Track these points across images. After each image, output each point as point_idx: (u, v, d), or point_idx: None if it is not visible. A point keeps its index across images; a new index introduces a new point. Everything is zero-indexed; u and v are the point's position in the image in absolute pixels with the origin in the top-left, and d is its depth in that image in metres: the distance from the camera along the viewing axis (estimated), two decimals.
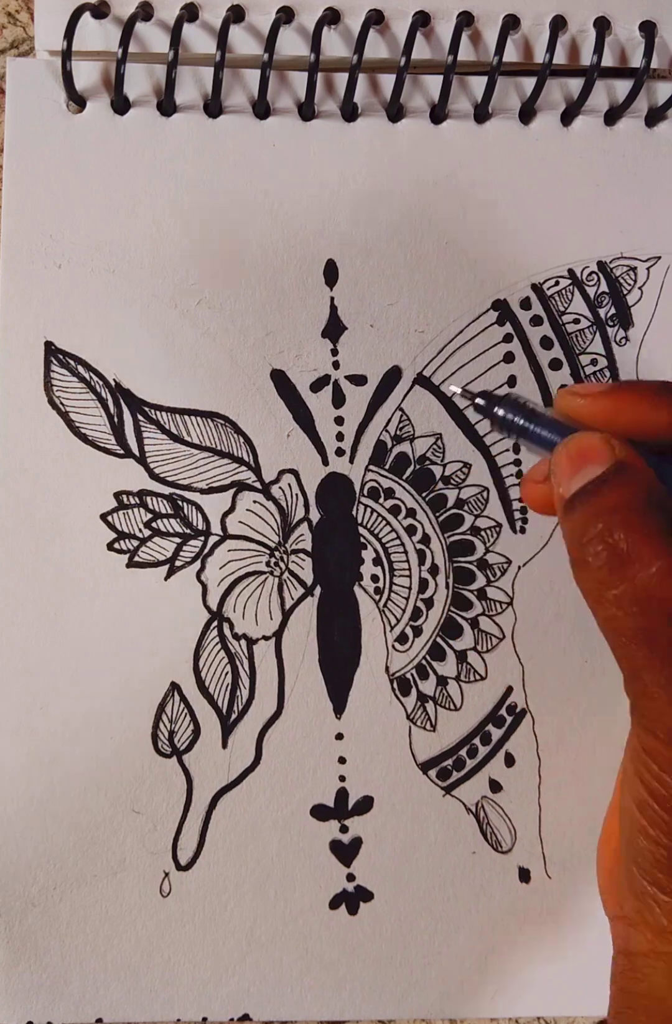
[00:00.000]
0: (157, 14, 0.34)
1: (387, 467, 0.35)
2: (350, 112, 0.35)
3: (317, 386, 0.35)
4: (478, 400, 0.28)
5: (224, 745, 0.35)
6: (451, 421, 0.35)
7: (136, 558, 0.34)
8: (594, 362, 0.36)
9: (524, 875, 0.36)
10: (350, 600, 0.35)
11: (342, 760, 0.35)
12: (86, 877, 0.34)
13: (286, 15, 0.34)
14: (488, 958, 0.35)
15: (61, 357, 0.34)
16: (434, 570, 0.35)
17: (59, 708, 0.34)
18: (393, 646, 0.35)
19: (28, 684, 0.34)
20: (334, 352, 0.35)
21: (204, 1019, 0.35)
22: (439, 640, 0.35)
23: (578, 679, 0.35)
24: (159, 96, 0.34)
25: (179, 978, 0.35)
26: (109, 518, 0.34)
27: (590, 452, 0.25)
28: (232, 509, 0.35)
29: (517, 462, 0.35)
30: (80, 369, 0.34)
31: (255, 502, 0.35)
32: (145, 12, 0.33)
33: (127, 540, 0.34)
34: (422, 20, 0.34)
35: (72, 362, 0.34)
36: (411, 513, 0.35)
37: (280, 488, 0.35)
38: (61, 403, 0.34)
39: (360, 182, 0.35)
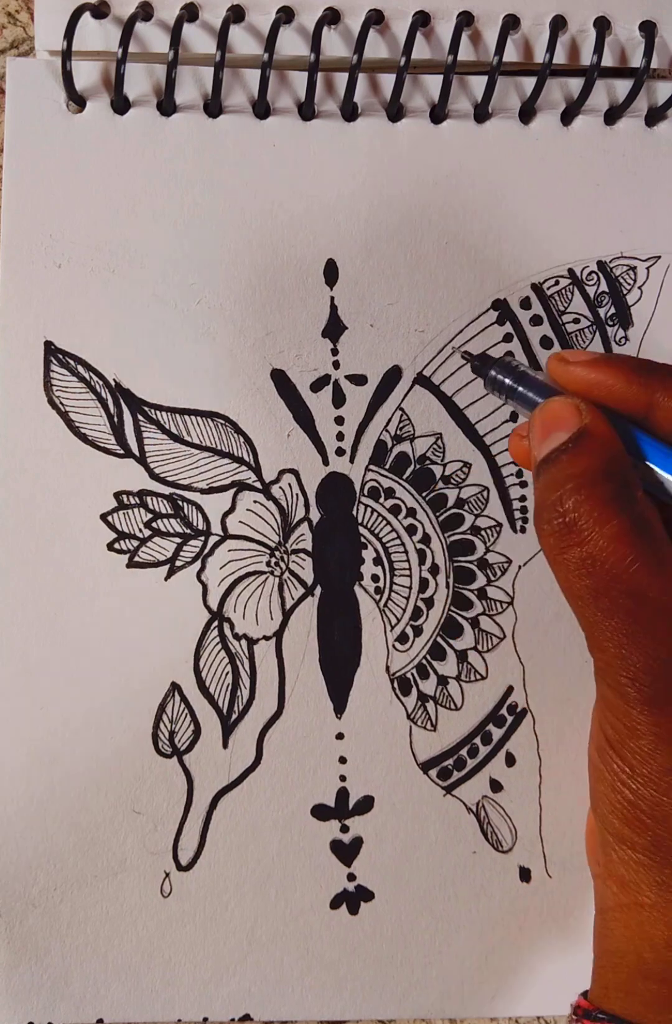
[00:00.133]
0: (157, 14, 0.34)
1: (387, 467, 0.35)
2: (350, 112, 0.35)
3: (317, 386, 0.35)
4: (474, 361, 0.30)
5: (225, 745, 0.35)
6: (451, 421, 0.35)
7: (136, 558, 0.34)
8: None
9: (524, 874, 0.36)
10: (350, 600, 0.35)
11: (343, 760, 0.35)
12: (87, 877, 0.34)
13: (286, 15, 0.34)
14: (488, 958, 0.36)
15: (61, 357, 0.34)
16: (434, 570, 0.35)
17: (59, 708, 0.34)
18: (393, 646, 0.35)
19: (28, 684, 0.34)
20: (334, 352, 0.35)
21: (205, 1019, 0.35)
22: (439, 640, 0.35)
23: (578, 679, 0.35)
24: (159, 96, 0.34)
25: (180, 978, 0.35)
26: (109, 518, 0.34)
27: (559, 418, 0.27)
28: (232, 509, 0.35)
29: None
30: (80, 369, 0.34)
31: (255, 502, 0.35)
32: (145, 12, 0.33)
33: (127, 540, 0.34)
34: (422, 20, 0.34)
35: (72, 362, 0.34)
36: (411, 513, 0.35)
37: (280, 488, 0.35)
38: (61, 403, 0.34)
39: (360, 182, 0.35)
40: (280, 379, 0.35)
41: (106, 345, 0.34)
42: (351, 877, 0.35)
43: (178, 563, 0.34)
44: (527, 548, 0.36)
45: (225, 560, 0.35)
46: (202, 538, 0.35)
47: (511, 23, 0.34)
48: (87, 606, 0.34)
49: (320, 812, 0.35)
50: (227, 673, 0.35)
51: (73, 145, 0.34)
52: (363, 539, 0.35)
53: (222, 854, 0.35)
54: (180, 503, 0.35)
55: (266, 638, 0.35)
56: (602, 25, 0.34)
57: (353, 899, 0.35)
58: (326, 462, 0.35)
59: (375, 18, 0.34)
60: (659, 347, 0.36)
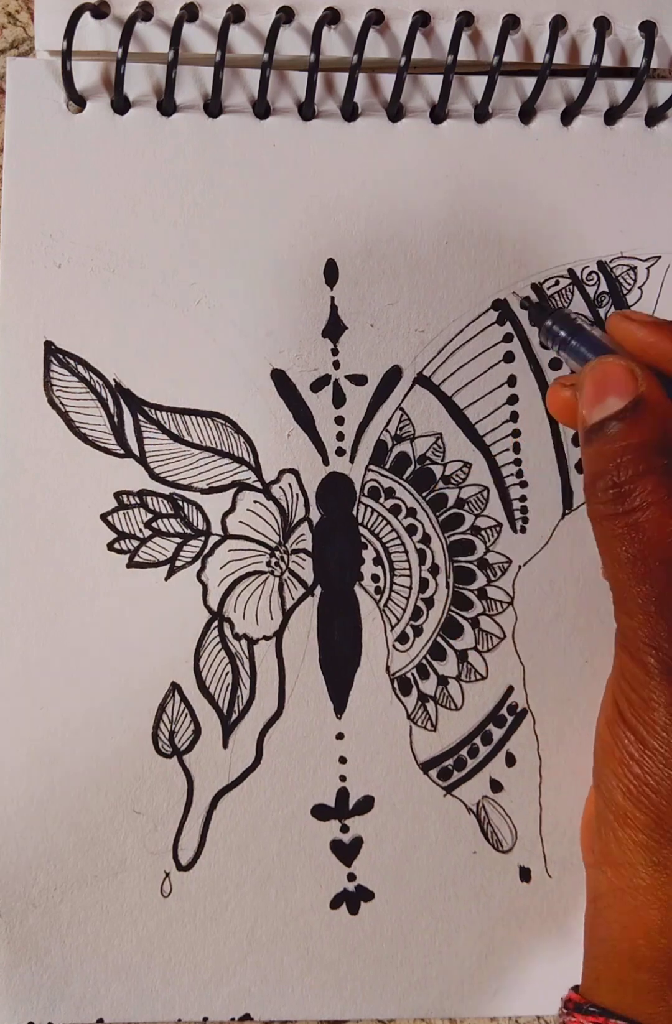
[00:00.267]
0: (157, 14, 0.34)
1: (387, 467, 0.35)
2: (350, 112, 0.35)
3: (317, 386, 0.35)
4: (532, 309, 0.31)
5: (225, 745, 0.35)
6: (451, 421, 0.35)
7: (136, 558, 0.34)
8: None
9: (525, 874, 0.36)
10: (350, 600, 0.35)
11: (343, 760, 0.35)
12: (87, 877, 0.34)
13: (286, 15, 0.34)
14: (488, 957, 0.36)
15: (61, 357, 0.34)
16: (434, 570, 0.35)
17: (59, 708, 0.34)
18: (394, 646, 0.35)
19: (28, 684, 0.34)
20: (334, 352, 0.35)
21: (205, 1019, 0.35)
22: (440, 640, 0.35)
23: (579, 679, 0.35)
24: (159, 96, 0.34)
25: (180, 978, 0.35)
26: (109, 518, 0.34)
27: (613, 381, 0.27)
28: (232, 509, 0.35)
29: (517, 462, 0.35)
30: (80, 369, 0.34)
31: (255, 502, 0.35)
32: (145, 12, 0.33)
33: (127, 540, 0.34)
34: (422, 20, 0.34)
35: (72, 362, 0.34)
36: (411, 513, 0.35)
37: (280, 488, 0.35)
38: (61, 403, 0.34)
39: (360, 182, 0.35)
40: (280, 379, 0.35)
41: (106, 345, 0.34)
42: (351, 877, 0.35)
43: (178, 563, 0.34)
44: (527, 548, 0.36)
45: (225, 560, 0.35)
46: (202, 538, 0.35)
47: (511, 23, 0.34)
48: (87, 606, 0.34)
49: (320, 812, 0.35)
50: (227, 673, 0.35)
51: (73, 145, 0.34)
52: (363, 539, 0.35)
53: (222, 854, 0.35)
54: (180, 503, 0.35)
55: (266, 638, 0.35)
56: (602, 25, 0.34)
57: (353, 899, 0.35)
58: (326, 462, 0.35)
59: (375, 18, 0.34)
60: None
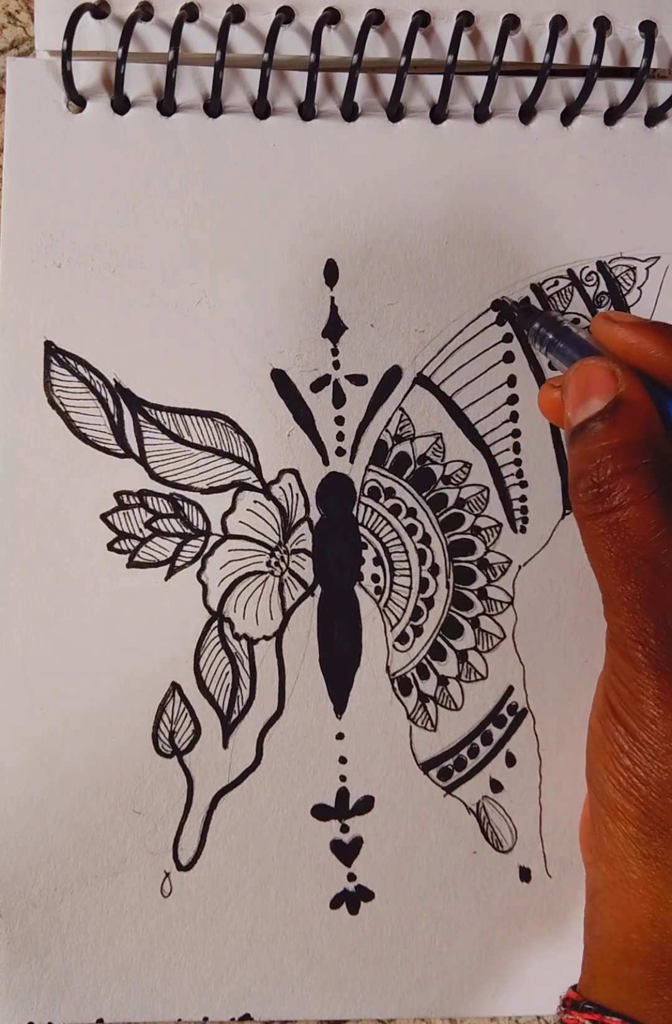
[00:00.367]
0: (157, 14, 0.34)
1: (387, 467, 0.35)
2: (350, 112, 0.35)
3: (317, 386, 0.35)
4: (519, 312, 0.31)
5: (225, 745, 0.35)
6: (451, 421, 0.35)
7: (136, 558, 0.34)
8: None
9: (525, 874, 0.36)
10: (351, 600, 0.35)
11: (343, 760, 0.35)
12: (87, 877, 0.34)
13: (286, 15, 0.34)
14: (488, 957, 0.36)
15: (61, 357, 0.34)
16: (435, 570, 0.35)
17: (59, 708, 0.34)
18: (394, 646, 0.35)
19: (28, 684, 0.34)
20: (334, 352, 0.35)
21: (205, 1019, 0.35)
22: (440, 640, 0.35)
23: (579, 679, 0.35)
24: (159, 96, 0.34)
25: (180, 978, 0.35)
26: (109, 518, 0.34)
27: (595, 382, 0.27)
28: (232, 509, 0.35)
29: (517, 462, 0.35)
30: (80, 369, 0.34)
31: (255, 502, 0.35)
32: (145, 12, 0.33)
33: (127, 540, 0.34)
34: (422, 20, 0.34)
35: (72, 362, 0.34)
36: (411, 513, 0.35)
37: (280, 488, 0.35)
38: (61, 403, 0.34)
39: (360, 182, 0.35)
40: (280, 379, 0.35)
41: (106, 345, 0.34)
42: (351, 877, 0.35)
43: (178, 563, 0.34)
44: (527, 548, 0.36)
45: (225, 560, 0.35)
46: (202, 538, 0.35)
47: (511, 23, 0.34)
48: (87, 606, 0.34)
49: (320, 812, 0.35)
50: (227, 673, 0.35)
51: (73, 145, 0.34)
52: (363, 539, 0.35)
53: (222, 854, 0.35)
54: (180, 503, 0.35)
55: (266, 638, 0.35)
56: (602, 25, 0.34)
57: (353, 899, 0.35)
58: (326, 462, 0.35)
59: (375, 18, 0.34)
60: None
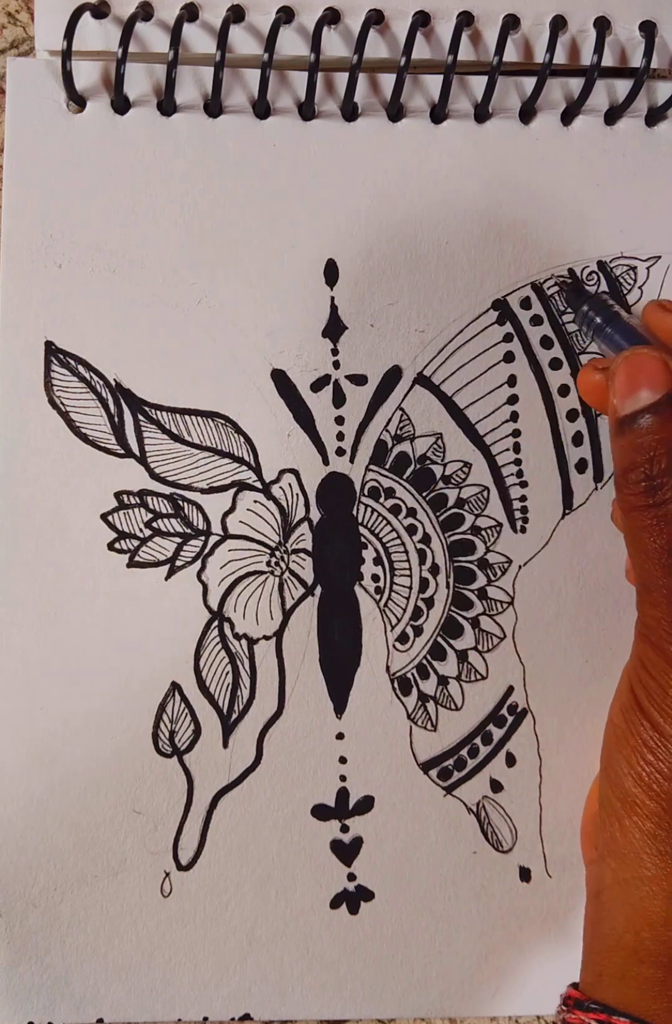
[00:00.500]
0: (157, 14, 0.34)
1: (387, 467, 0.35)
2: (350, 112, 0.35)
3: (317, 386, 0.35)
4: (570, 293, 0.31)
5: (225, 745, 0.35)
6: (451, 421, 0.35)
7: (136, 558, 0.34)
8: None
9: (525, 874, 0.36)
10: (351, 600, 0.35)
11: (343, 760, 0.35)
12: (87, 877, 0.34)
13: (286, 15, 0.34)
14: (488, 957, 0.36)
15: (61, 357, 0.34)
16: (435, 569, 0.35)
17: (59, 708, 0.34)
18: (394, 646, 0.35)
19: (28, 684, 0.34)
20: (334, 352, 0.35)
21: (205, 1019, 0.35)
22: (440, 640, 0.35)
23: (579, 679, 0.35)
24: (159, 96, 0.34)
25: (180, 978, 0.35)
26: (109, 518, 0.34)
27: (646, 372, 0.27)
28: (232, 509, 0.35)
29: (517, 462, 0.35)
30: (80, 369, 0.34)
31: (256, 502, 0.35)
32: (145, 12, 0.33)
33: (127, 540, 0.34)
34: (422, 20, 0.34)
35: (72, 362, 0.34)
36: (411, 513, 0.35)
37: (280, 488, 0.35)
38: (61, 403, 0.34)
39: (360, 182, 0.35)
40: (280, 379, 0.35)
41: (106, 345, 0.34)
42: (351, 877, 0.35)
43: (178, 563, 0.34)
44: (527, 548, 0.36)
45: (225, 560, 0.35)
46: (202, 538, 0.35)
47: (511, 23, 0.34)
48: (87, 606, 0.34)
49: (320, 812, 0.35)
50: (227, 673, 0.35)
51: (73, 145, 0.34)
52: (363, 539, 0.35)
53: (222, 854, 0.35)
54: (180, 503, 0.35)
55: (266, 638, 0.35)
56: (602, 25, 0.34)
57: (353, 899, 0.35)
58: (326, 462, 0.35)
59: (375, 18, 0.34)
60: None
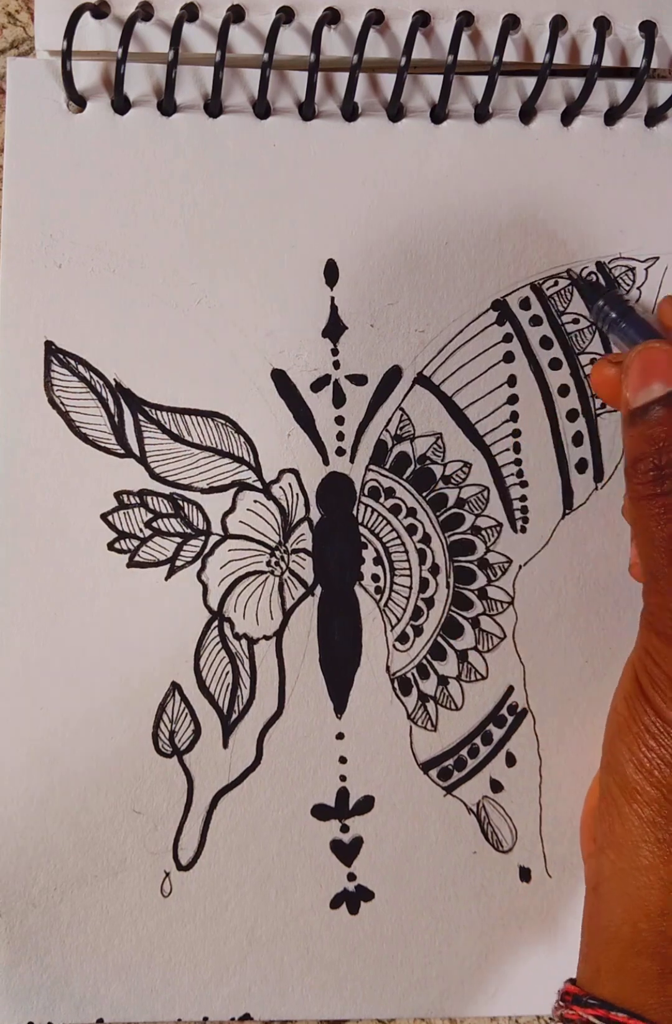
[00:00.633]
0: (157, 14, 0.34)
1: (387, 467, 0.35)
2: (350, 112, 0.35)
3: (317, 386, 0.35)
4: (586, 288, 0.32)
5: (225, 745, 0.35)
6: (451, 421, 0.35)
7: (137, 558, 0.34)
8: (594, 362, 0.36)
9: (525, 874, 0.36)
10: (351, 600, 0.35)
11: (343, 760, 0.35)
12: (87, 877, 0.34)
13: (286, 15, 0.34)
14: (488, 957, 0.36)
15: (61, 357, 0.34)
16: (435, 569, 0.35)
17: (59, 708, 0.34)
18: (394, 645, 0.35)
19: (28, 684, 0.34)
20: (334, 352, 0.35)
21: (205, 1019, 0.35)
22: (440, 639, 0.35)
23: (579, 679, 0.35)
24: (159, 96, 0.34)
25: (180, 978, 0.35)
26: (109, 518, 0.34)
27: (659, 366, 0.28)
28: (232, 509, 0.35)
29: (518, 462, 0.35)
30: (80, 369, 0.34)
31: (256, 502, 0.35)
32: (145, 12, 0.33)
33: (127, 540, 0.34)
34: (422, 20, 0.34)
35: (72, 362, 0.34)
36: (412, 512, 0.35)
37: (281, 488, 0.35)
38: (61, 403, 0.34)
39: (360, 182, 0.35)
40: (280, 379, 0.35)
41: (106, 345, 0.34)
42: (351, 877, 0.35)
43: (178, 563, 0.34)
44: (527, 548, 0.36)
45: (225, 560, 0.35)
46: (202, 538, 0.35)
47: (511, 23, 0.34)
48: (87, 606, 0.34)
49: (320, 812, 0.35)
50: (227, 673, 0.35)
51: (73, 145, 0.34)
52: (363, 539, 0.35)
53: (222, 854, 0.35)
54: (180, 503, 0.35)
55: (266, 638, 0.35)
56: (602, 25, 0.34)
57: (353, 899, 0.35)
58: (326, 462, 0.35)
59: (375, 18, 0.34)
60: None
